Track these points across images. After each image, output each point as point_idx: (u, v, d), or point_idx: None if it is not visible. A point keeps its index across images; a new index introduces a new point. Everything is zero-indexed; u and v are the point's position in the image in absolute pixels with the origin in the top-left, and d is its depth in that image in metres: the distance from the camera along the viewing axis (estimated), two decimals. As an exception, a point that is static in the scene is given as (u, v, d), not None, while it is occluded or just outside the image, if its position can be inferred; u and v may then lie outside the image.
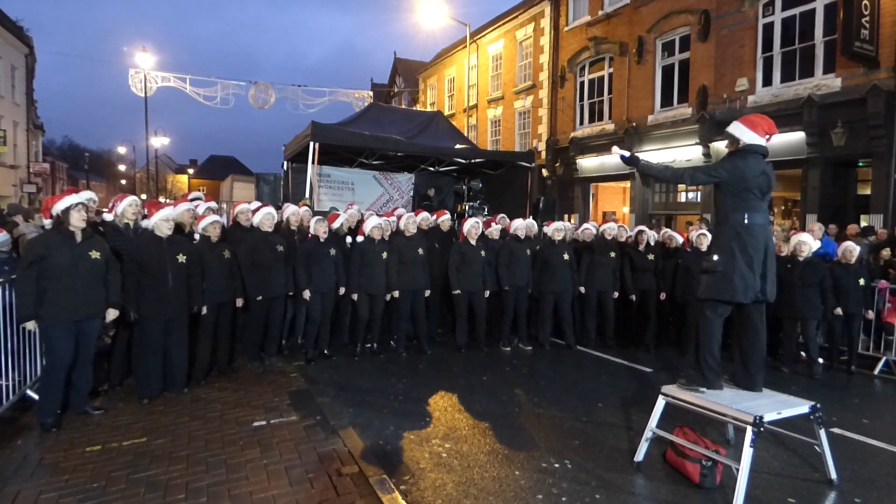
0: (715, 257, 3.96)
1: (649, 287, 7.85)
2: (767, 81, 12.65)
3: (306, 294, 6.59)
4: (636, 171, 4.34)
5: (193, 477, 3.77)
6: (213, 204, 7.27)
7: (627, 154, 4.28)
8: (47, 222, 4.65)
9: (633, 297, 7.90)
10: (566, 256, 7.69)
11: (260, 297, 6.23)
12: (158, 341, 5.17)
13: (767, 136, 3.98)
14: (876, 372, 7.03)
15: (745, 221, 3.89)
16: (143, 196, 32.99)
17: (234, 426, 4.68)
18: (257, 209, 6.70)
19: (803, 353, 7.08)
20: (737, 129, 4.04)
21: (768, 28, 12.62)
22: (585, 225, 8.86)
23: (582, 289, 7.95)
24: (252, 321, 6.41)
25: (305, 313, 6.93)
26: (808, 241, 6.87)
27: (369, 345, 7.27)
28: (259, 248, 6.26)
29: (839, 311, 6.85)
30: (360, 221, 7.71)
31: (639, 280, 7.88)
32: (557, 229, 7.87)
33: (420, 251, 7.25)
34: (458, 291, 7.52)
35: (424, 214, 8.34)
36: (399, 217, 8.12)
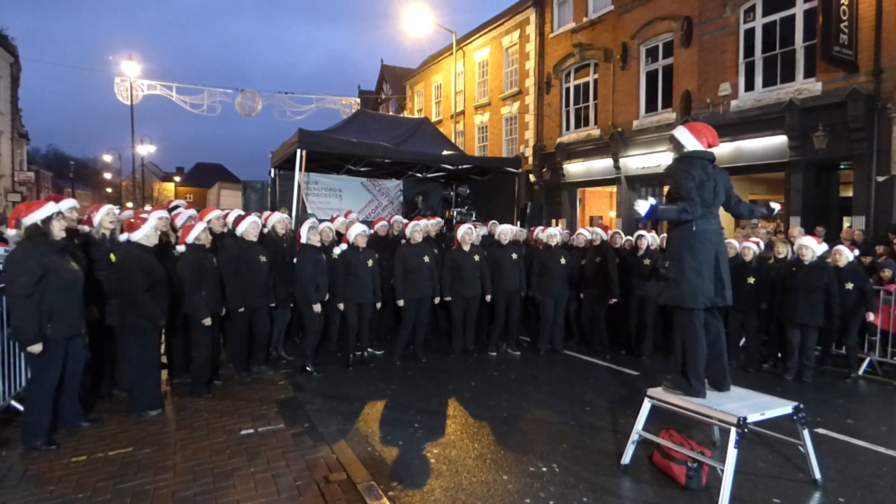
0: (667, 264, 4.05)
1: (647, 293, 7.65)
2: (749, 86, 12.81)
3: (317, 308, 6.54)
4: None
5: (180, 486, 3.75)
6: (192, 211, 7.19)
7: (649, 210, 3.82)
8: (12, 232, 4.35)
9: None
10: (563, 261, 7.72)
11: (242, 309, 6.16)
12: (158, 353, 5.18)
13: (710, 147, 4.04)
14: (860, 372, 7.11)
15: (693, 228, 3.94)
16: (129, 204, 32.72)
17: (222, 435, 4.65)
18: (240, 217, 6.63)
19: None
20: (682, 134, 4.10)
21: (750, 34, 12.80)
22: (580, 231, 8.89)
23: (581, 294, 8.00)
24: (236, 332, 6.33)
25: (298, 323, 6.91)
26: (812, 246, 6.73)
27: (359, 353, 7.24)
28: (242, 258, 6.19)
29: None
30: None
31: (635, 286, 7.77)
32: (552, 235, 7.88)
33: (426, 259, 7.24)
34: (448, 298, 7.54)
35: (424, 222, 8.25)
36: (399, 224, 8.10)
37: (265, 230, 7.03)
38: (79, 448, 4.33)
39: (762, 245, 7.72)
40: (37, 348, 4.17)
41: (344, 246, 7.04)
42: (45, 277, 4.16)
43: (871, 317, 6.84)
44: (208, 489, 3.71)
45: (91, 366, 5.50)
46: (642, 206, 3.83)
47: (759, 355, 7.48)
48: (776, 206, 4.34)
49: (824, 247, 6.94)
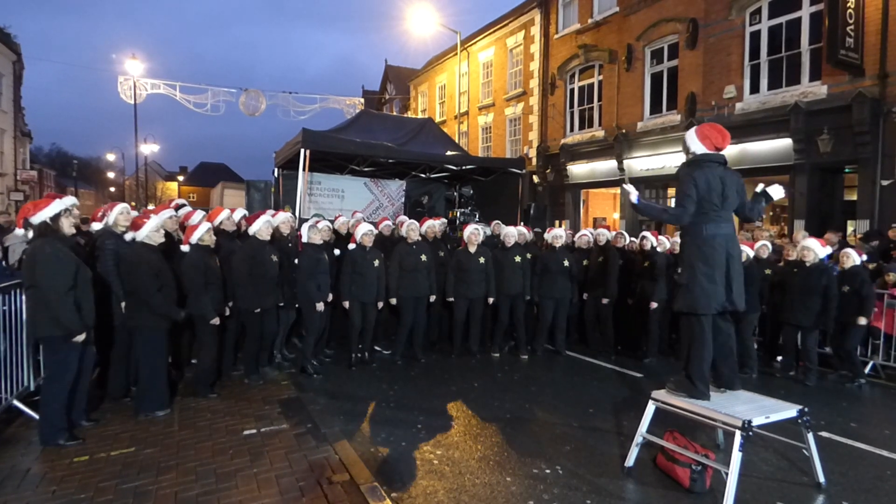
0: (679, 270, 4.04)
1: (649, 295, 7.58)
2: (755, 89, 12.78)
3: (320, 306, 6.49)
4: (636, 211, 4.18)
5: (183, 487, 3.75)
6: (200, 212, 7.20)
7: (636, 199, 4.09)
8: (20, 232, 4.41)
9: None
10: (566, 263, 7.66)
11: (258, 310, 6.14)
12: (167, 353, 5.20)
13: (717, 149, 4.03)
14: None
15: (704, 233, 3.93)
16: (132, 203, 32.82)
17: (225, 435, 4.65)
18: (255, 217, 6.62)
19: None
20: (689, 137, 4.12)
21: (755, 36, 12.77)
22: (582, 232, 8.86)
23: (585, 295, 8.00)
24: (250, 334, 6.26)
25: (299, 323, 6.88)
26: (814, 248, 6.75)
27: (361, 354, 7.22)
28: (257, 259, 6.15)
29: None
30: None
31: (639, 287, 7.76)
32: (557, 236, 7.82)
33: (423, 258, 7.20)
34: (451, 299, 7.52)
35: (431, 222, 8.21)
36: (400, 224, 8.08)
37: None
38: (81, 448, 4.33)
39: (770, 247, 7.71)
40: (82, 337, 4.27)
41: (352, 245, 7.03)
42: (77, 272, 4.24)
43: (862, 321, 6.75)
44: (211, 490, 3.71)
45: (96, 365, 5.50)
46: (633, 193, 4.07)
47: (767, 356, 7.49)
48: (778, 191, 4.23)
49: (828, 249, 6.92)
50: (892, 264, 7.71)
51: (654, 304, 7.56)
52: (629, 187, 4.21)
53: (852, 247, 8.51)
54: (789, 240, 9.04)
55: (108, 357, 5.42)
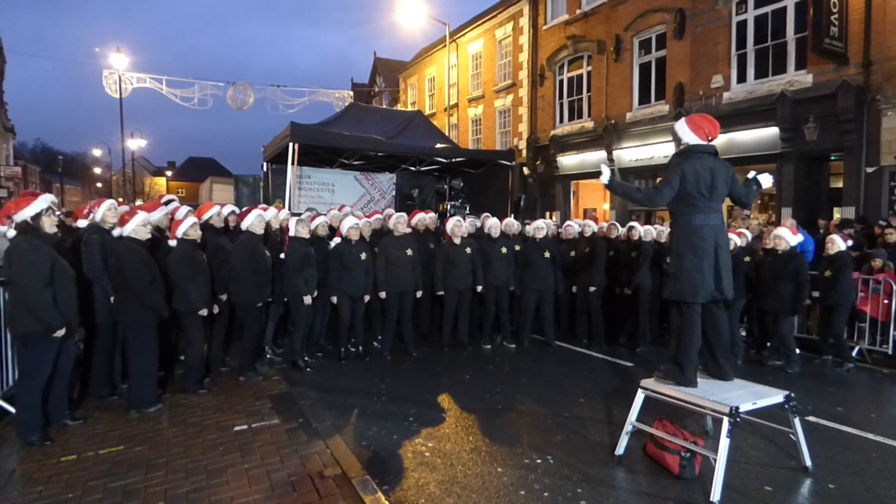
0: (668, 260, 4.05)
1: (639, 285, 7.65)
2: (742, 78, 12.84)
3: (308, 300, 6.45)
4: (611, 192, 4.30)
5: (172, 484, 3.73)
6: (188, 208, 7.13)
7: (607, 179, 4.23)
8: (2, 229, 4.36)
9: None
10: (547, 254, 7.70)
11: (260, 304, 6.14)
12: (157, 348, 5.15)
13: (709, 139, 4.07)
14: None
15: (692, 223, 3.96)
16: (120, 199, 32.52)
17: (215, 431, 4.63)
18: (246, 212, 6.58)
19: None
20: (681, 129, 4.12)
21: (742, 26, 12.81)
22: (568, 222, 8.86)
23: (574, 288, 8.00)
24: (248, 329, 6.22)
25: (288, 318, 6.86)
26: (785, 236, 6.91)
27: (354, 348, 7.20)
28: (257, 253, 6.12)
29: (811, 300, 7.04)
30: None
31: (625, 276, 7.83)
32: (538, 227, 7.88)
33: (409, 251, 7.17)
34: (441, 292, 7.52)
35: (421, 215, 8.17)
36: (388, 217, 8.03)
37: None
38: (68, 447, 4.29)
39: (749, 236, 7.77)
40: (62, 332, 4.26)
41: (337, 239, 7.00)
42: (53, 268, 4.21)
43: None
44: (201, 486, 3.70)
45: (82, 363, 5.45)
46: (605, 173, 4.24)
47: (756, 344, 7.57)
48: (767, 179, 4.30)
49: (799, 237, 7.07)
50: (879, 251, 7.80)
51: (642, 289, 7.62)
52: (604, 167, 4.36)
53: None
54: (772, 228, 9.10)
55: (91, 355, 5.36)
